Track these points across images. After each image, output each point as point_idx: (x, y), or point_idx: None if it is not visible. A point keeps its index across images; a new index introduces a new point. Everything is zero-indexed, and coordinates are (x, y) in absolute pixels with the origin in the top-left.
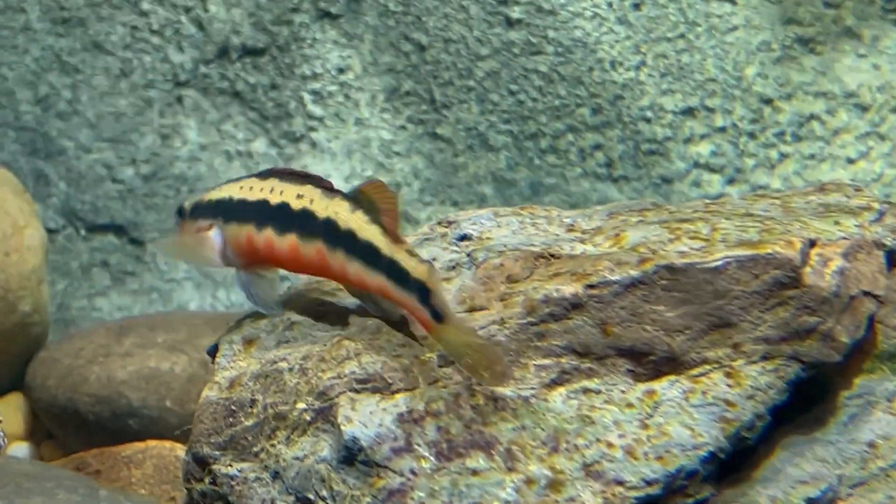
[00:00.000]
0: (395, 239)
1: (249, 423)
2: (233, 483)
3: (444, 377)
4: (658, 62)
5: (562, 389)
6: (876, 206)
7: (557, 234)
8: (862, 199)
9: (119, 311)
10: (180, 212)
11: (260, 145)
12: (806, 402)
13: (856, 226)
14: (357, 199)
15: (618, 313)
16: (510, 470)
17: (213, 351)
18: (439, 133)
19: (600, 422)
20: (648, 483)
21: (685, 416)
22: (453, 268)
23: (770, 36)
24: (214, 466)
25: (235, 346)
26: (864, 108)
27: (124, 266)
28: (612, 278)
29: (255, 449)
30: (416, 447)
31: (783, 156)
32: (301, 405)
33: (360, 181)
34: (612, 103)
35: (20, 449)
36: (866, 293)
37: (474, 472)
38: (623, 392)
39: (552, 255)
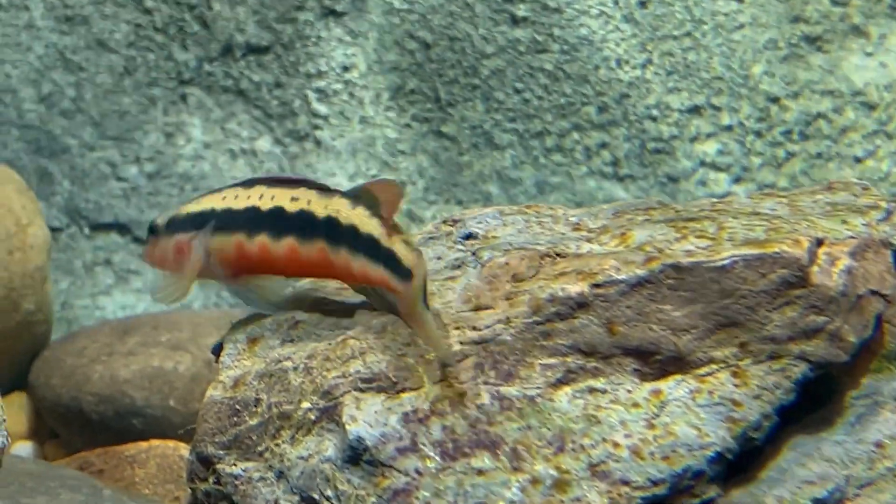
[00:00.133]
0: (392, 230)
1: (254, 422)
2: (237, 483)
3: (450, 376)
4: (664, 60)
5: (567, 389)
6: (884, 204)
7: (563, 233)
8: (869, 198)
9: (122, 310)
10: (153, 229)
11: (264, 143)
12: (813, 402)
13: (863, 225)
14: (358, 196)
15: (624, 312)
16: (516, 470)
17: (217, 350)
18: (444, 131)
19: (606, 421)
20: (655, 483)
21: (692, 415)
22: (458, 266)
23: (777, 34)
24: (219, 466)
25: (240, 345)
26: (871, 107)
27: (128, 265)
28: (618, 277)
29: (259, 448)
30: (422, 447)
31: (790, 154)
32: (306, 404)
33: (365, 180)
34: (618, 102)
35: (24, 448)
36: (874, 292)
37: (480, 472)
38: (629, 391)
39: (558, 254)
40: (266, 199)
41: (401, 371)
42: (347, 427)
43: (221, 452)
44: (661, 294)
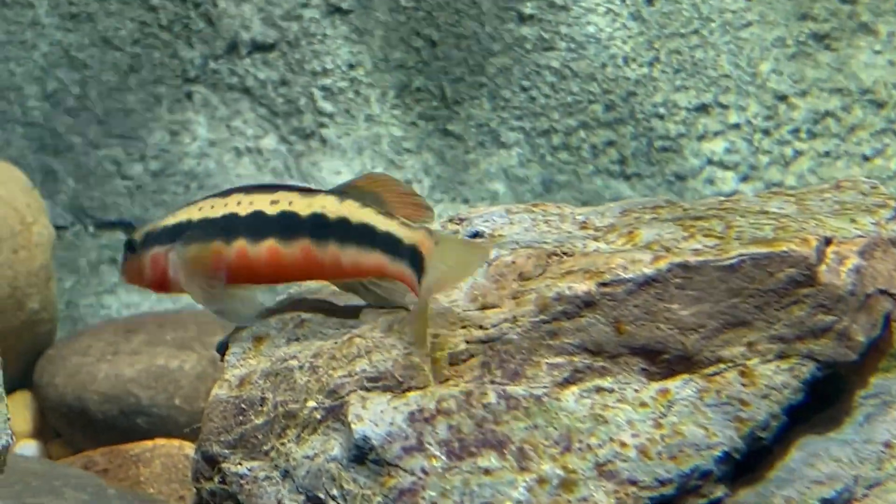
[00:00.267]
0: (391, 215)
1: (259, 421)
2: (242, 482)
3: (456, 375)
4: (671, 58)
5: (574, 388)
6: (892, 203)
7: (570, 232)
8: (878, 197)
9: (127, 309)
10: (131, 246)
11: (270, 142)
12: (821, 402)
13: (872, 223)
14: (345, 192)
15: (631, 311)
16: (522, 469)
17: (222, 348)
18: (450, 129)
19: (613, 421)
20: (662, 483)
21: (699, 415)
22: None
23: (785, 32)
24: (224, 465)
25: (245, 344)
26: (879, 105)
27: None
28: (626, 276)
29: (265, 447)
30: (428, 446)
31: (798, 153)
32: (311, 403)
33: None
34: (625, 100)
35: (28, 447)
36: (882, 291)
37: (486, 472)
38: (636, 391)
39: (565, 253)
40: (244, 205)
41: (407, 370)
42: (353, 426)
43: (227, 451)
44: (668, 293)
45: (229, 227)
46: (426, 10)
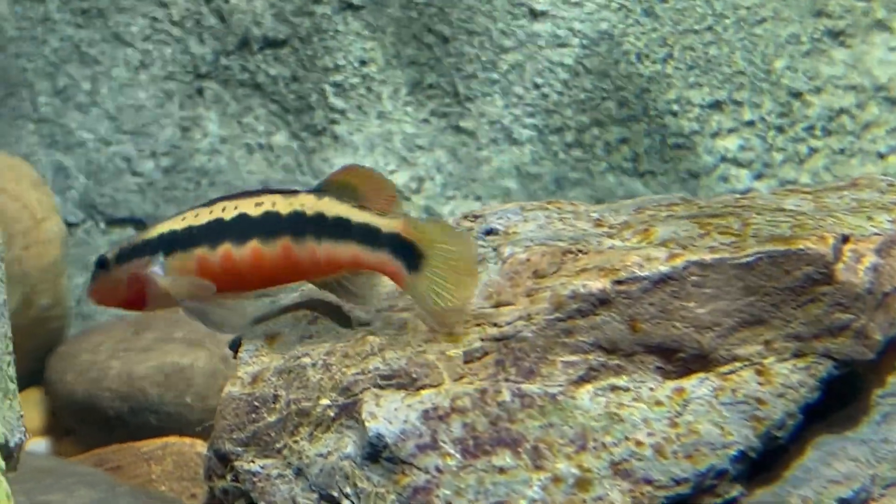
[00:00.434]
0: (366, 208)
1: (272, 419)
2: (255, 480)
3: (470, 373)
4: (685, 55)
5: (589, 386)
6: None
7: (585, 229)
8: (895, 195)
9: None
10: (103, 264)
11: (281, 138)
12: (838, 401)
13: (889, 221)
14: (325, 189)
15: (647, 309)
16: (537, 468)
17: (235, 346)
18: (462, 126)
19: (629, 420)
20: (678, 482)
21: (715, 414)
22: (479, 262)
23: (799, 28)
24: (237, 463)
25: (258, 342)
26: (894, 102)
27: None
28: (641, 274)
29: (277, 445)
30: (442, 444)
31: (812, 150)
32: (324, 401)
33: (384, 174)
34: (639, 97)
35: (39, 444)
36: None
37: (501, 470)
38: (652, 389)
39: (579, 251)
40: (229, 210)
41: (420, 368)
42: (367, 424)
43: (239, 449)
44: (684, 291)
45: (213, 233)
46: (438, 6)
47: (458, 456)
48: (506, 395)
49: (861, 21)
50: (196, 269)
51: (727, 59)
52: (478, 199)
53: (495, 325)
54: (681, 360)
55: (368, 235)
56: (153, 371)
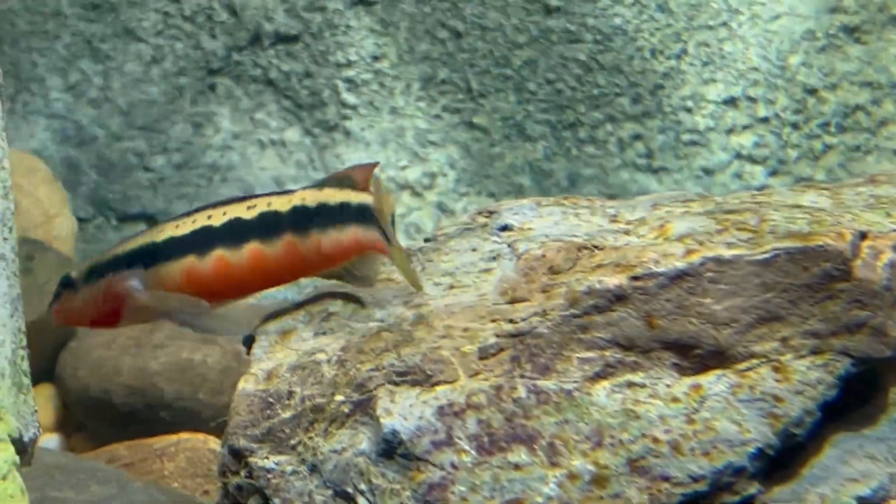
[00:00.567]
0: (364, 191)
1: (286, 415)
2: (269, 476)
3: (485, 370)
4: (700, 51)
5: (606, 383)
6: None
7: (601, 225)
8: None
9: None
10: (69, 283)
11: (293, 134)
12: (856, 399)
13: None
14: (324, 182)
15: (663, 306)
16: (553, 465)
17: (248, 342)
18: (476, 122)
19: (645, 416)
20: (695, 479)
21: (732, 411)
22: (494, 258)
23: (814, 24)
24: (251, 459)
25: (271, 337)
26: None
27: None
28: (658, 270)
29: (292, 442)
30: (457, 440)
31: (827, 147)
32: (339, 397)
33: (395, 171)
34: (653, 93)
35: (50, 440)
36: None
37: (516, 467)
38: (668, 386)
39: (595, 246)
40: (217, 216)
41: (435, 364)
42: (382, 420)
43: (254, 445)
44: (701, 287)
45: (201, 241)
46: (451, 1)
47: (473, 452)
48: (521, 392)
49: (877, 17)
50: (183, 280)
51: (742, 55)
52: (490, 195)
53: (510, 321)
54: (698, 356)
55: (362, 213)
56: (166, 367)
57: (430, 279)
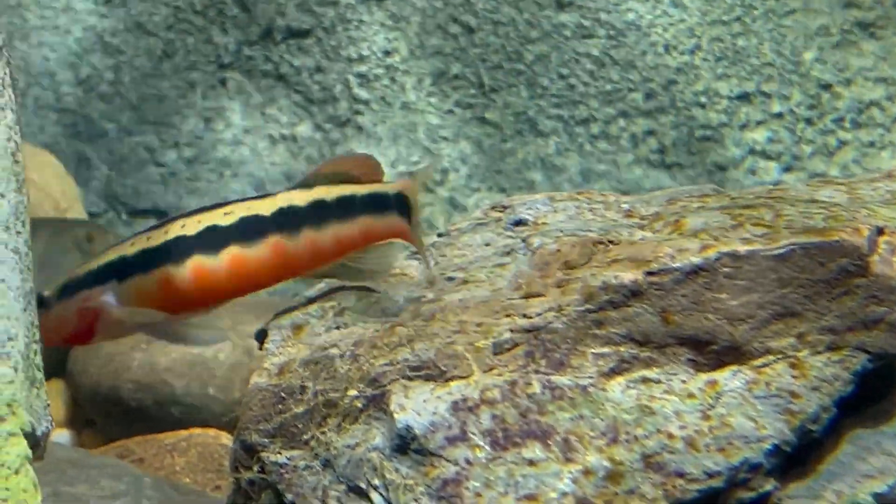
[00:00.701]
0: (369, 183)
1: (299, 410)
2: (282, 471)
3: (500, 365)
4: (713, 46)
5: (621, 379)
6: None
7: (615, 220)
8: None
9: None
10: (41, 302)
11: (305, 129)
12: (873, 395)
13: None
14: (311, 182)
15: (679, 301)
16: (568, 460)
17: (261, 337)
18: (488, 118)
19: (660, 412)
20: (710, 475)
21: (748, 407)
22: (508, 253)
23: (829, 20)
24: (263, 454)
25: (284, 332)
26: None
27: None
28: (673, 265)
29: (304, 436)
30: (471, 436)
31: (842, 143)
32: (352, 392)
33: (407, 166)
34: (666, 88)
35: (61, 436)
36: None
37: (531, 463)
38: (684, 382)
39: (610, 241)
40: (192, 224)
41: (450, 359)
42: (395, 415)
43: (266, 440)
44: (717, 283)
45: (177, 250)
46: None
47: (487, 448)
48: (536, 387)
49: (891, 12)
50: (159, 291)
51: (756, 50)
52: (502, 190)
53: (525, 316)
54: (713, 352)
55: (377, 203)
56: (176, 363)
57: (443, 274)
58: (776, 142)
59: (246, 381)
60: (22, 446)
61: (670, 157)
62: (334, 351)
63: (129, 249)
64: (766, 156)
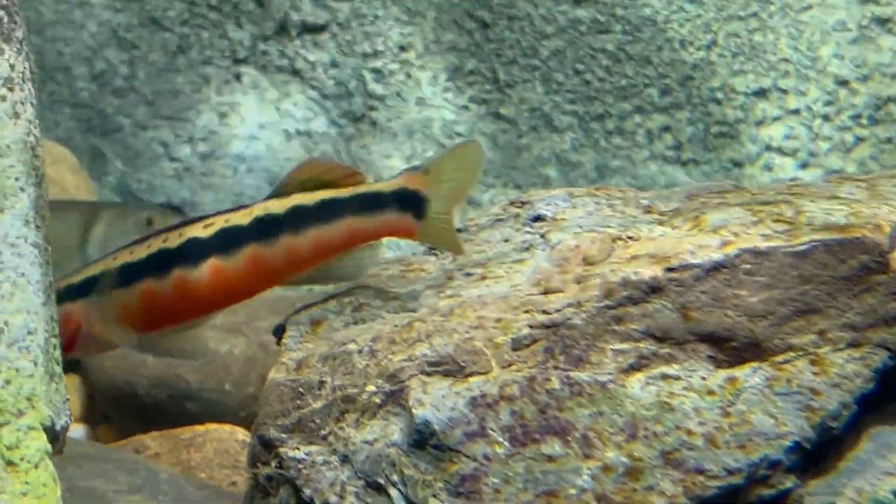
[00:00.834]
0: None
1: (317, 405)
2: (300, 466)
3: (519, 361)
4: (730, 41)
5: (640, 375)
6: None
7: (634, 216)
8: None
9: None
10: None
11: (319, 124)
12: (893, 392)
13: None
14: (285, 191)
15: (699, 297)
16: (587, 457)
17: (278, 332)
18: (503, 113)
19: (680, 409)
20: (730, 472)
21: (768, 404)
22: (527, 249)
23: (846, 15)
24: (281, 449)
25: (302, 327)
26: None
27: None
28: (693, 261)
29: (322, 432)
30: (490, 432)
31: (859, 139)
32: (371, 388)
33: (421, 161)
34: (682, 84)
35: (76, 431)
36: None
37: (550, 459)
38: (703, 379)
39: (630, 237)
40: (173, 238)
41: (468, 355)
42: (414, 411)
43: (284, 436)
44: (737, 279)
45: (159, 263)
46: None
47: (506, 444)
48: (555, 383)
49: None
50: (141, 305)
51: (772, 46)
52: (517, 186)
53: (544, 311)
54: (733, 348)
55: (366, 203)
56: None
57: (461, 270)
58: (793, 138)
59: (261, 376)
60: (42, 440)
61: (686, 153)
62: (352, 346)
63: (111, 264)
64: (782, 152)
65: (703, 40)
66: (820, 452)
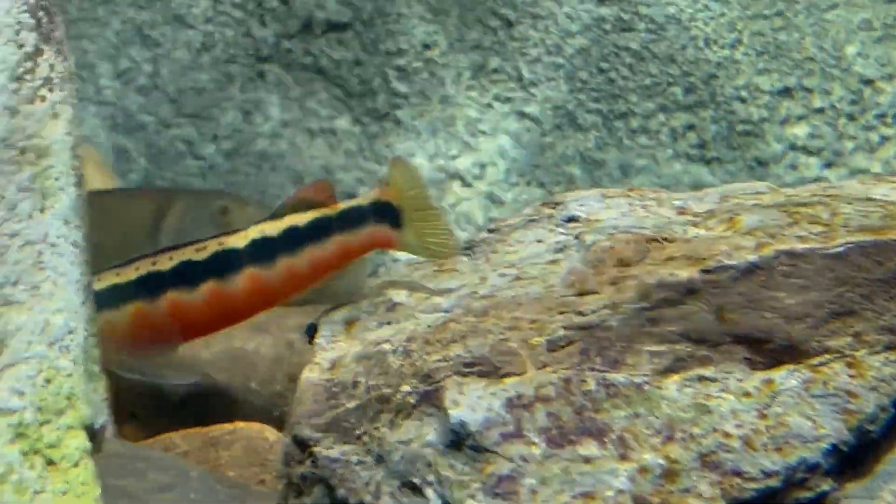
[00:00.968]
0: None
1: (352, 405)
2: (335, 466)
3: (554, 362)
4: (754, 40)
5: (676, 377)
6: None
7: (668, 217)
8: None
9: None
10: None
11: (343, 122)
12: None
13: None
14: (280, 213)
15: (735, 299)
16: (623, 458)
17: (311, 331)
18: (527, 112)
19: (717, 411)
20: (768, 475)
21: (805, 406)
22: (561, 250)
23: (871, 14)
24: (315, 449)
25: (336, 327)
26: None
27: None
28: (729, 263)
29: (357, 432)
30: (527, 433)
31: (884, 139)
32: (405, 388)
33: (445, 160)
34: (706, 82)
35: None
36: None
37: (586, 460)
38: (740, 381)
39: (665, 239)
40: (164, 261)
41: (503, 356)
42: (450, 412)
43: (318, 435)
44: (773, 281)
45: (149, 285)
46: None
47: (543, 445)
48: (591, 385)
49: None
50: (130, 327)
51: (797, 44)
52: (541, 185)
53: (579, 313)
54: (770, 351)
55: (349, 219)
56: (217, 356)
57: (495, 270)
58: (817, 137)
59: (288, 374)
60: (81, 439)
61: (710, 151)
62: (387, 346)
63: (98, 284)
64: (807, 151)
65: (727, 39)
66: (857, 455)
